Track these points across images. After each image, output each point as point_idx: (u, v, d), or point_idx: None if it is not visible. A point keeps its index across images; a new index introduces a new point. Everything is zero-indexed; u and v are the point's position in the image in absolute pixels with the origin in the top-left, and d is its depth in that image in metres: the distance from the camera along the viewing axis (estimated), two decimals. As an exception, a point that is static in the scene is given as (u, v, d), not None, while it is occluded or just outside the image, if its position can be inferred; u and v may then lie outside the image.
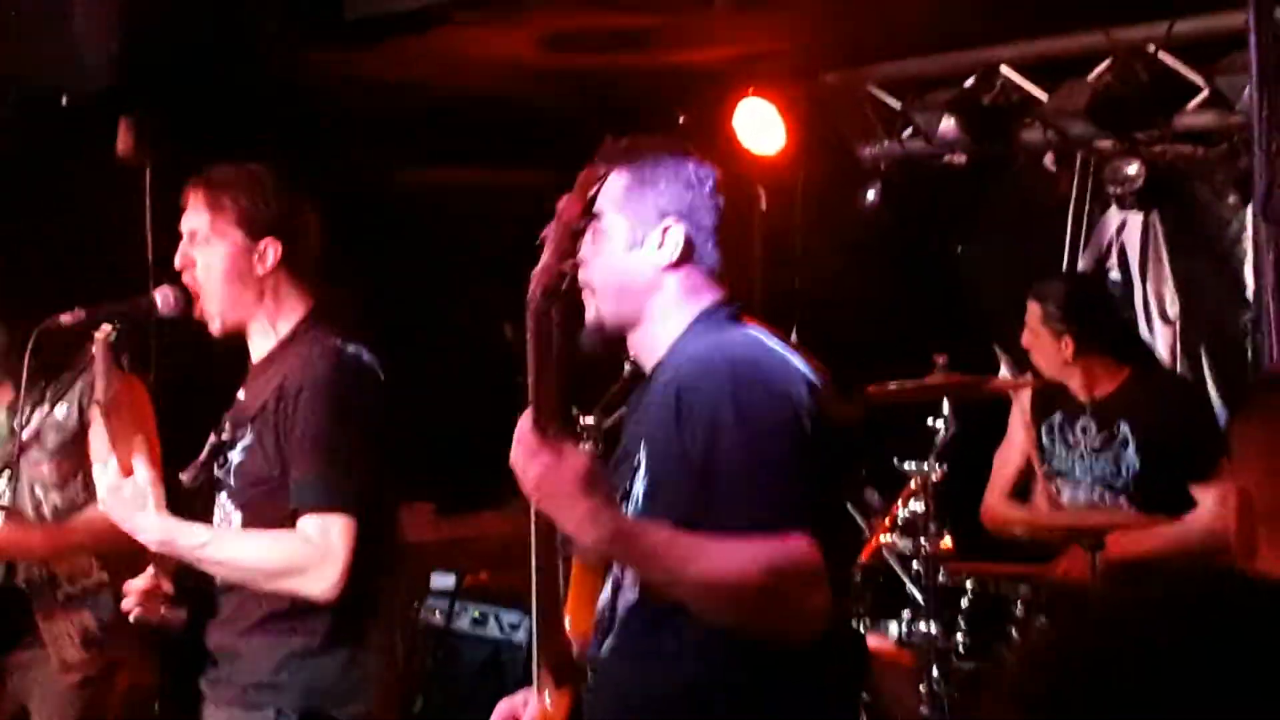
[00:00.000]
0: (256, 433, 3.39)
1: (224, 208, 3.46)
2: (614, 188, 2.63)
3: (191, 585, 3.47)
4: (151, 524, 3.28)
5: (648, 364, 2.69)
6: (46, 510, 4.29)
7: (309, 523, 3.27)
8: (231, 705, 3.39)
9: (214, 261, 3.47)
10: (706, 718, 2.51)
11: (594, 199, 2.46)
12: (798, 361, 2.56)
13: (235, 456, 3.42)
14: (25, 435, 4.08)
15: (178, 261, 3.52)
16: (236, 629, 3.40)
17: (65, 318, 3.87)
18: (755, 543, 2.37)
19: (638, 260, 2.63)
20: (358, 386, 3.39)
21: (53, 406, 4.23)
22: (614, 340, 2.69)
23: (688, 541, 2.38)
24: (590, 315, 2.66)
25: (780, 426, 2.45)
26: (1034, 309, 5.09)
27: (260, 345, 3.52)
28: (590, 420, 4.76)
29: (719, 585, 2.38)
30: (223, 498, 3.45)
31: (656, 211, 2.63)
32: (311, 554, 3.25)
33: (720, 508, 2.41)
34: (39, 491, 4.29)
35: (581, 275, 2.58)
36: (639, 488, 2.56)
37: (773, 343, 2.60)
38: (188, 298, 3.80)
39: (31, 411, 4.12)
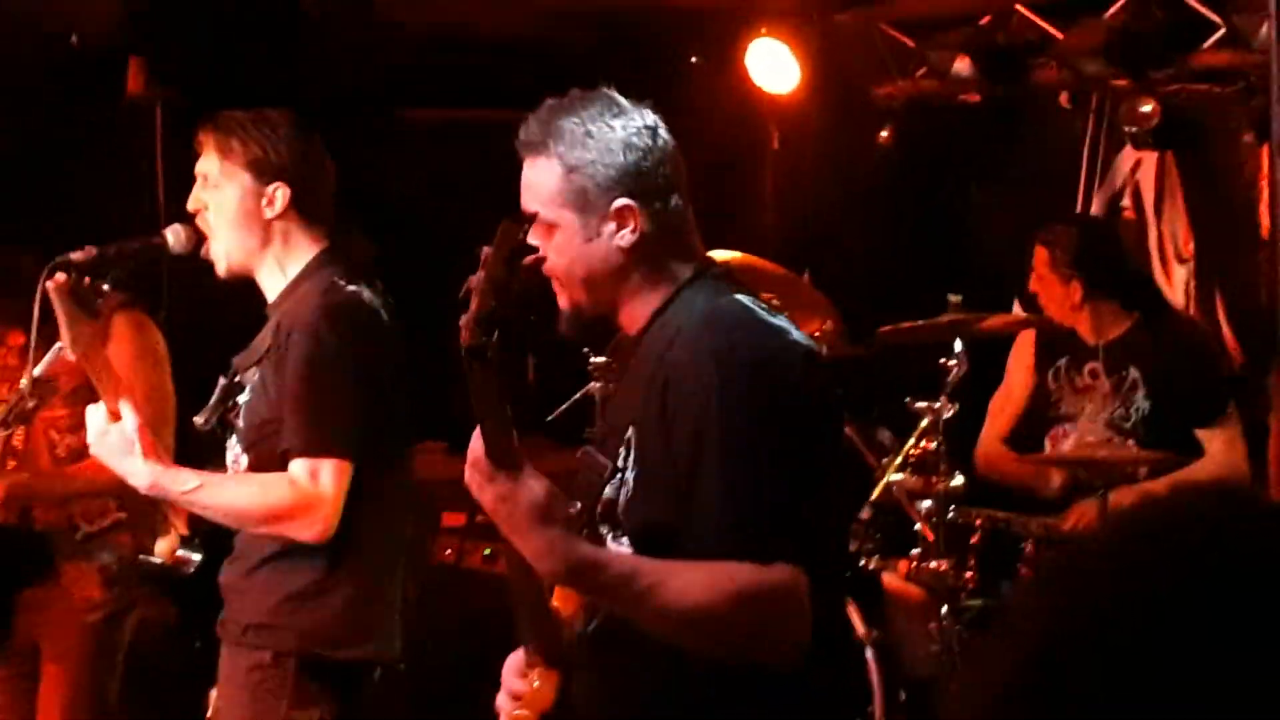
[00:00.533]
0: (261, 374, 3.39)
1: (232, 151, 3.44)
2: (548, 179, 2.48)
3: (207, 527, 3.48)
4: (139, 469, 3.26)
5: (631, 331, 2.56)
6: (61, 453, 4.30)
7: (297, 466, 3.26)
8: (234, 645, 3.39)
9: (223, 204, 3.46)
10: (692, 703, 2.44)
11: (521, 245, 2.28)
12: (789, 331, 2.44)
13: (243, 398, 3.42)
14: (36, 374, 4.08)
15: (190, 204, 3.52)
16: (242, 568, 3.41)
17: (76, 255, 3.87)
18: (728, 576, 2.26)
19: (598, 250, 2.48)
20: (351, 325, 3.36)
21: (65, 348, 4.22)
22: (593, 323, 2.58)
23: (651, 573, 2.29)
24: (563, 304, 2.54)
25: (770, 433, 2.33)
26: (1041, 254, 5.07)
27: (271, 288, 3.51)
28: (601, 360, 4.76)
29: (682, 620, 2.29)
30: (232, 440, 3.46)
31: (601, 195, 2.46)
32: (299, 498, 3.24)
33: (702, 524, 2.32)
34: (54, 434, 4.30)
35: (546, 266, 2.45)
36: (630, 474, 2.46)
37: (761, 312, 2.45)
38: (199, 236, 3.81)
39: (44, 353, 4.11)
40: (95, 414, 3.32)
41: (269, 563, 3.35)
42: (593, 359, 4.73)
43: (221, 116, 3.51)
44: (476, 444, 2.29)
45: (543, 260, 2.41)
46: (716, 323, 2.41)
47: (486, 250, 2.26)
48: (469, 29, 5.81)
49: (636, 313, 2.53)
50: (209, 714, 3.56)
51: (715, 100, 6.00)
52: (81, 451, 4.25)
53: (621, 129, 2.48)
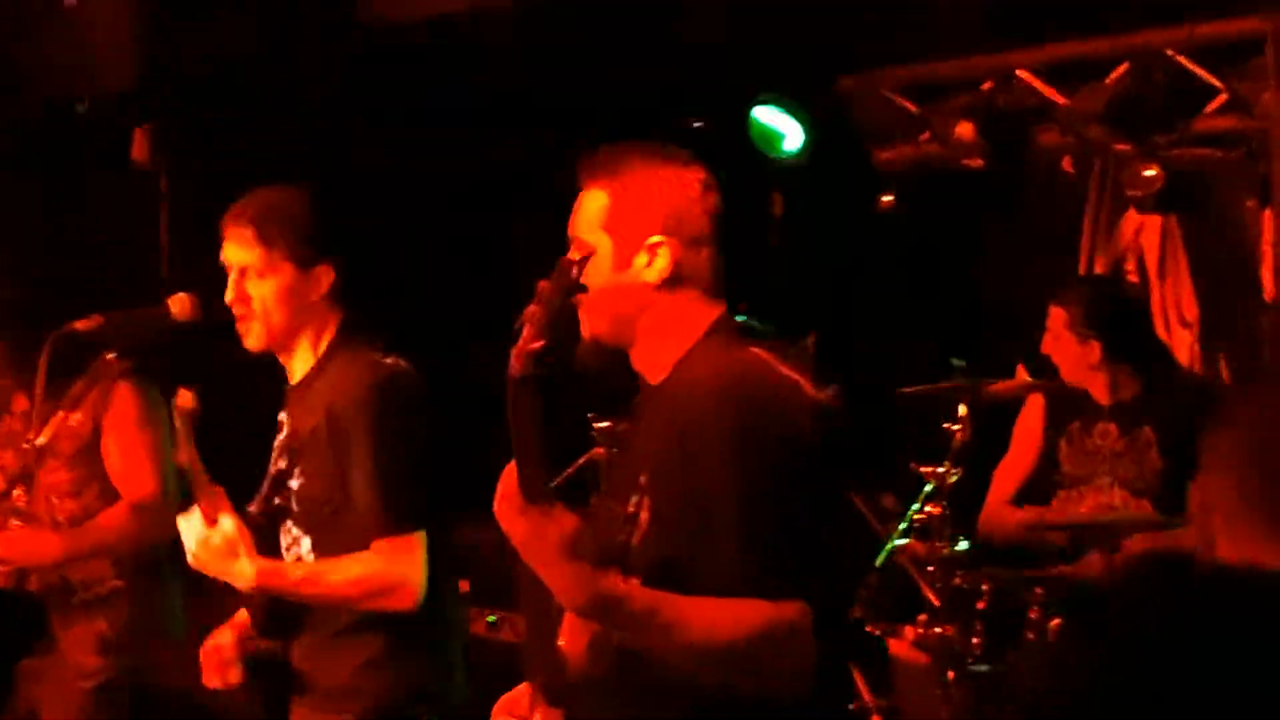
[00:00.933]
0: (312, 458, 3.42)
1: (274, 241, 3.44)
2: (595, 206, 2.59)
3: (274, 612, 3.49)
4: (246, 569, 3.31)
5: (650, 378, 2.63)
6: (61, 517, 4.29)
7: (385, 546, 3.33)
8: (313, 710, 3.47)
9: (268, 294, 3.46)
10: None
11: (574, 283, 2.41)
12: (804, 386, 2.51)
13: (294, 483, 3.44)
14: (40, 442, 4.08)
15: (229, 297, 3.49)
16: (317, 639, 3.47)
17: (80, 324, 3.90)
18: (746, 610, 2.35)
19: (626, 281, 2.57)
20: (403, 399, 3.41)
21: (68, 414, 4.22)
22: (610, 356, 2.64)
23: (672, 607, 2.36)
24: (585, 331, 2.62)
25: (784, 479, 2.42)
26: (1058, 314, 5.06)
27: (299, 366, 3.53)
28: (605, 424, 4.76)
29: (703, 653, 2.37)
30: (289, 524, 3.49)
31: (642, 229, 2.56)
32: (394, 576, 3.33)
33: (719, 565, 2.38)
34: (54, 499, 4.29)
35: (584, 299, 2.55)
36: (643, 515, 2.52)
37: (779, 367, 2.53)
38: (203, 305, 3.82)
39: (47, 419, 4.11)
40: (192, 521, 3.34)
41: (345, 633, 3.43)
42: (596, 424, 4.73)
43: (252, 202, 3.50)
44: (509, 477, 2.34)
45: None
46: (737, 375, 2.49)
47: (543, 284, 2.36)
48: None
49: (656, 357, 2.60)
50: None
51: (717, 164, 6.01)
52: (80, 518, 4.26)
53: (674, 174, 2.60)
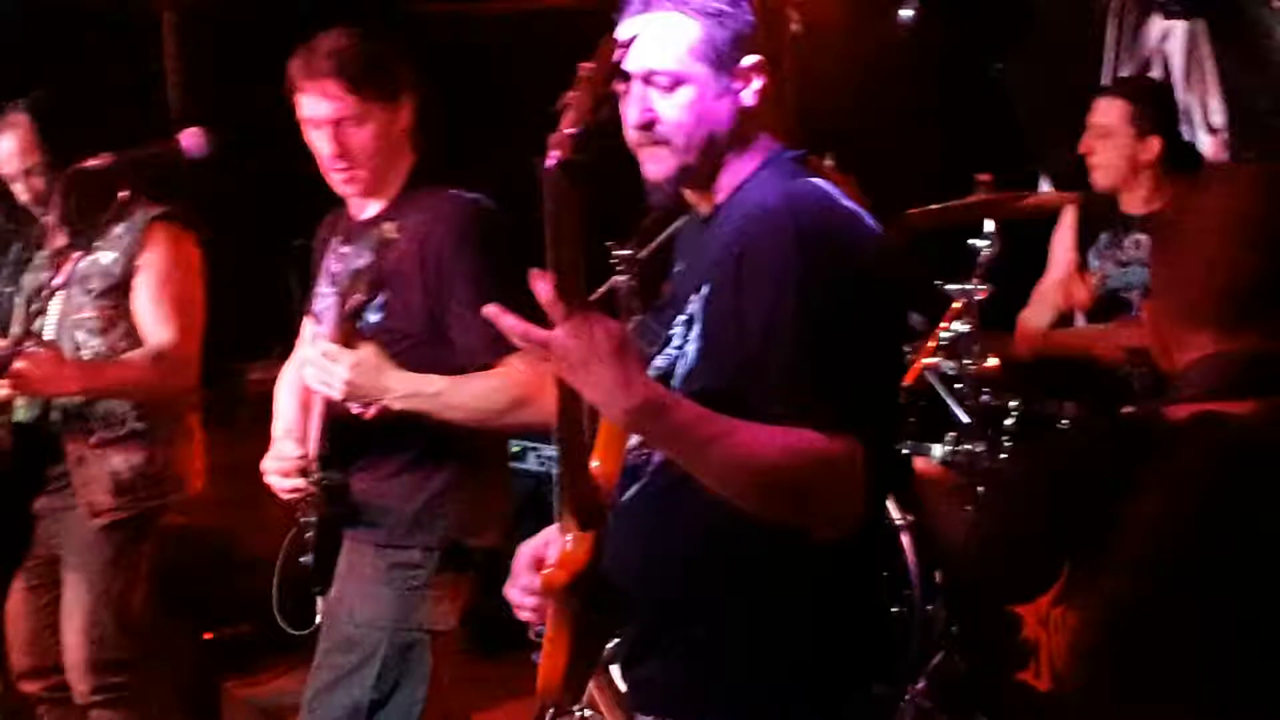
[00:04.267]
0: (397, 290, 3.39)
1: (362, 85, 3.40)
2: (684, 34, 2.47)
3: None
4: (399, 382, 3.31)
5: (702, 207, 2.57)
6: (86, 355, 4.26)
7: (514, 360, 3.29)
8: (381, 547, 3.49)
9: (366, 141, 3.43)
10: (723, 573, 2.44)
11: (616, 66, 2.30)
12: (863, 217, 2.44)
13: (372, 315, 3.41)
14: (64, 277, 4.06)
15: (330, 151, 3.43)
16: (375, 477, 3.49)
17: (93, 162, 3.88)
18: (794, 437, 2.26)
19: (724, 108, 2.48)
20: (500, 234, 3.40)
21: (96, 251, 4.20)
22: (688, 189, 2.54)
23: (720, 422, 2.27)
24: (660, 170, 2.50)
25: (846, 308, 2.33)
26: (1119, 106, 4.89)
27: (372, 203, 3.52)
28: (626, 251, 4.70)
29: (746, 476, 2.28)
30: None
31: (736, 52, 2.47)
32: (530, 385, 3.30)
33: (772, 393, 2.30)
34: (79, 335, 4.26)
35: (660, 129, 2.47)
36: (692, 346, 2.46)
37: (840, 198, 2.46)
38: (214, 140, 3.78)
39: (69, 256, 4.09)
40: (328, 351, 3.30)
41: (405, 470, 3.46)
42: (615, 252, 4.67)
43: (328, 53, 3.41)
44: (543, 283, 2.22)
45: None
46: (798, 203, 2.40)
47: (585, 66, 2.24)
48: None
49: (719, 182, 2.53)
50: (319, 619, 3.60)
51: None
52: (105, 357, 4.24)
53: None
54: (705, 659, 2.47)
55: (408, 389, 3.32)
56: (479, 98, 6.07)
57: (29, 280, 4.39)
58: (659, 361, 2.51)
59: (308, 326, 3.72)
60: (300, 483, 3.50)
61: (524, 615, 2.57)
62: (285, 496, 3.54)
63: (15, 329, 4.27)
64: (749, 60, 2.49)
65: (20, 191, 4.30)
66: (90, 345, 4.25)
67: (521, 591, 2.55)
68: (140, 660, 4.32)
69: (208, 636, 5.49)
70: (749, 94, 2.49)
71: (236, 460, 4.17)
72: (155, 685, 4.41)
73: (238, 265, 4.66)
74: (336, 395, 3.33)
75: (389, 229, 3.28)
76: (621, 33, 2.41)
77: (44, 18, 5.28)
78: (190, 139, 3.88)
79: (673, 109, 2.46)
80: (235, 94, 5.08)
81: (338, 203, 3.65)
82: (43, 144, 4.21)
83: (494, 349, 3.26)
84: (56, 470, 4.33)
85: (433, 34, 6.14)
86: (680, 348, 2.48)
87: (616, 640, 2.56)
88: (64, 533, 4.35)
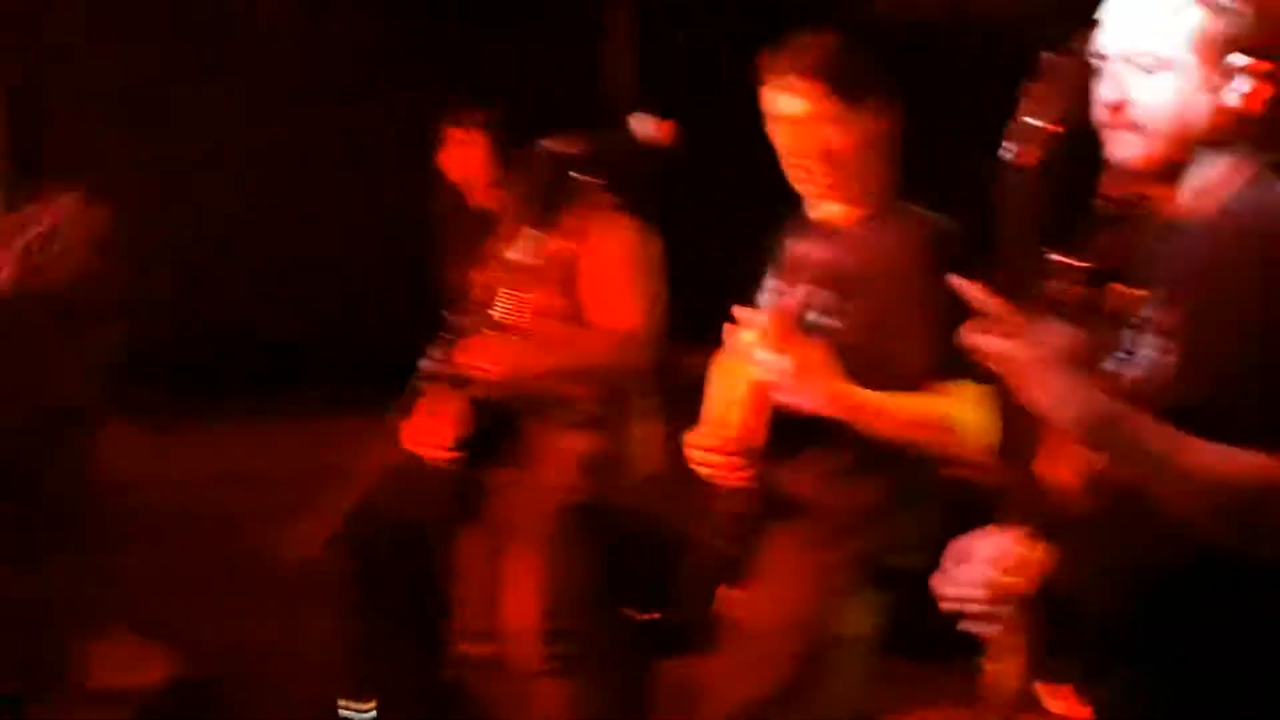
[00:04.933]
0: (848, 297, 3.42)
1: (850, 90, 3.42)
2: (1184, 18, 2.39)
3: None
4: (837, 387, 3.33)
5: (1164, 207, 2.47)
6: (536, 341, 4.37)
7: (944, 389, 3.31)
8: (811, 546, 3.50)
9: (835, 143, 3.44)
10: (1193, 587, 2.33)
11: (1086, 62, 2.26)
12: None
13: (821, 318, 3.44)
14: (515, 258, 4.16)
15: (794, 149, 3.46)
16: (813, 476, 3.52)
17: (567, 148, 3.96)
18: (1253, 459, 2.18)
19: (1206, 103, 2.40)
20: (954, 255, 3.27)
21: (555, 239, 4.30)
22: (1138, 185, 2.48)
23: (1172, 438, 2.21)
24: (1128, 153, 2.44)
25: None
26: None
27: (842, 210, 3.54)
28: (1065, 259, 4.58)
29: (1201, 495, 2.21)
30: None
31: (1228, 48, 2.38)
32: (959, 415, 3.28)
33: (1259, 416, 2.20)
34: (539, 321, 4.36)
35: (1133, 112, 2.40)
36: (1157, 356, 2.37)
37: None
38: (667, 128, 3.83)
39: (529, 238, 4.19)
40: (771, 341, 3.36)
41: (844, 474, 3.46)
42: (1057, 258, 4.56)
43: (815, 55, 3.44)
44: (977, 292, 2.23)
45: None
46: None
47: (1051, 57, 2.24)
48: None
49: (1188, 185, 2.44)
50: (726, 607, 3.64)
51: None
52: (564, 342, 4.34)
53: None
54: (1175, 675, 2.38)
55: (846, 396, 3.31)
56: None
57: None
58: (1111, 370, 2.44)
59: (752, 316, 3.74)
60: (721, 460, 3.51)
61: (950, 606, 2.50)
62: (705, 475, 3.56)
63: (470, 315, 4.40)
64: (1242, 60, 2.38)
65: (479, 199, 4.45)
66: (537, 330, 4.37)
67: (961, 584, 2.49)
68: (585, 636, 4.43)
69: (649, 618, 5.57)
70: (1234, 95, 2.40)
71: (676, 447, 4.24)
72: (598, 662, 4.50)
73: (685, 251, 4.70)
74: (778, 391, 3.35)
75: (848, 234, 3.30)
76: (1107, 12, 2.37)
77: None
78: (641, 123, 3.95)
79: (1151, 93, 2.39)
80: (692, 84, 5.12)
81: (797, 200, 3.66)
82: (499, 158, 4.36)
83: (934, 373, 3.27)
84: (515, 447, 4.48)
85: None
86: (1139, 357, 2.41)
87: (1071, 653, 2.51)
88: (519, 507, 4.48)
